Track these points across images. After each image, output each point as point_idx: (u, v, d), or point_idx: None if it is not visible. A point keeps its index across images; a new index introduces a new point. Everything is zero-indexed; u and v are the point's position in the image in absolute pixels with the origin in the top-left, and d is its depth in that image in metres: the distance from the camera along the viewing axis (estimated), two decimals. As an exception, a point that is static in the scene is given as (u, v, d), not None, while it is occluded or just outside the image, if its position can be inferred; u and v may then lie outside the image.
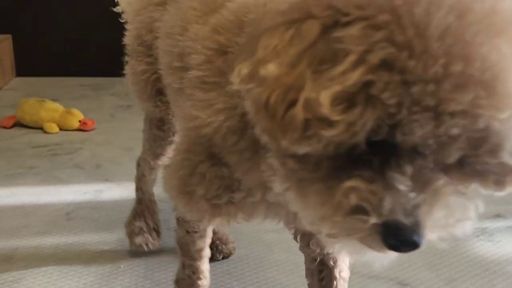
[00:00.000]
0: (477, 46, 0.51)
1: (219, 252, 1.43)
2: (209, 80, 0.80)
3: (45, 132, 2.34)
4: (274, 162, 0.64)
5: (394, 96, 0.51)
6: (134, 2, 1.23)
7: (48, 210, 1.69)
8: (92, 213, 1.67)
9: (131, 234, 1.45)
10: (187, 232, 1.06)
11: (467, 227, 0.60)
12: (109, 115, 2.60)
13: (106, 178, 1.92)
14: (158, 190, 1.36)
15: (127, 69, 1.25)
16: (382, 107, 0.51)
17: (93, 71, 3.11)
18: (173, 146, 1.29)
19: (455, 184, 0.59)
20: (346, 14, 0.54)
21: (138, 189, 1.48)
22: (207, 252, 1.11)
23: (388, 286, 1.35)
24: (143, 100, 1.24)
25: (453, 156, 0.56)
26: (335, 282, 0.98)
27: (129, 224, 1.46)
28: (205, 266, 1.12)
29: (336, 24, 0.55)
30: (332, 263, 0.98)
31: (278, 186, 0.67)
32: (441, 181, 0.57)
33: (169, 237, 1.48)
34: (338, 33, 0.54)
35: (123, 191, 1.80)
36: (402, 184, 0.55)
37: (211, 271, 1.16)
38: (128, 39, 1.23)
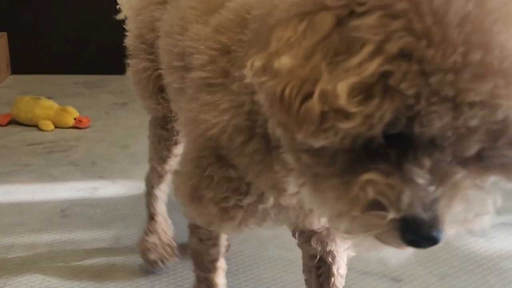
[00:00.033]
0: (496, 34, 0.50)
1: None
2: (214, 82, 0.79)
3: (40, 129, 2.34)
4: (289, 157, 0.63)
5: (413, 87, 0.50)
6: (135, 3, 1.21)
7: (43, 207, 1.69)
8: (87, 211, 1.67)
9: (144, 252, 1.38)
10: (200, 240, 1.01)
11: (485, 221, 0.59)
12: (104, 112, 2.59)
13: (101, 175, 1.92)
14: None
15: (129, 70, 1.23)
16: (400, 98, 0.50)
17: (89, 69, 3.11)
18: (178, 147, 1.28)
19: (473, 178, 0.57)
20: (362, 4, 0.53)
21: (149, 204, 1.42)
22: (222, 264, 1.05)
23: (381, 282, 1.36)
24: (145, 98, 1.22)
25: (472, 149, 0.54)
26: (332, 279, 0.98)
27: (142, 241, 1.40)
28: (220, 279, 1.06)
29: (351, 15, 0.53)
30: (330, 260, 0.97)
31: (292, 186, 0.65)
32: (460, 174, 0.55)
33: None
34: (354, 23, 0.52)
35: (118, 189, 1.80)
36: (421, 177, 0.53)
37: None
38: (129, 39, 1.22)
